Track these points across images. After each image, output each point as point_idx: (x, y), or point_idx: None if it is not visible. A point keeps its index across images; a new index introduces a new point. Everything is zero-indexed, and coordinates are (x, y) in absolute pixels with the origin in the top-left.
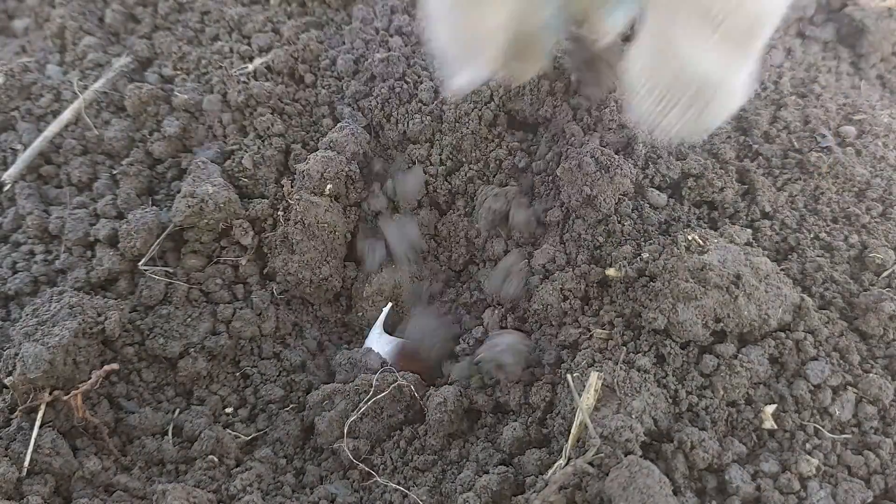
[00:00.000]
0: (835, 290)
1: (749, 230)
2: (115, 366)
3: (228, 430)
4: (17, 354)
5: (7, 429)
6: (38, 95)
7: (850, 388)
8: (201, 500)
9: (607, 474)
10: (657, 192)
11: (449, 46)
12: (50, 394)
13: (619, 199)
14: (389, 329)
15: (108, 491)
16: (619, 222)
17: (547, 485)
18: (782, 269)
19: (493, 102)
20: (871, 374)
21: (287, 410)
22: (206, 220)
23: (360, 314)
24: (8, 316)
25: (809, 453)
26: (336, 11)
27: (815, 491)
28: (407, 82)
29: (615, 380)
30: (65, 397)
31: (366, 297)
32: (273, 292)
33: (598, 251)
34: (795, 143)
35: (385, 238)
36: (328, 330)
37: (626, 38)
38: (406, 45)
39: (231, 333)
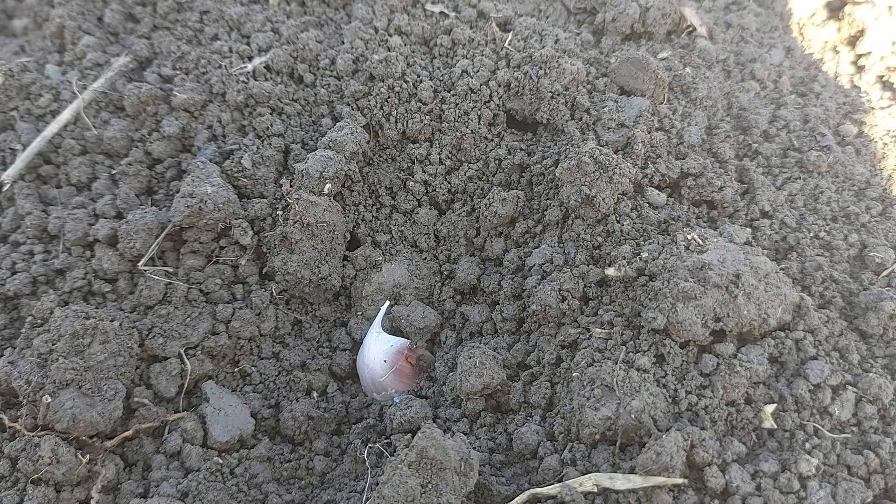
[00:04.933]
0: (834, 289)
1: (748, 229)
2: None
3: None
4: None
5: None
6: (37, 95)
7: (849, 387)
8: None
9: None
10: (656, 191)
11: None
12: None
13: (618, 198)
14: (388, 328)
15: None
16: (619, 222)
17: None
18: (782, 269)
19: (492, 102)
20: (870, 374)
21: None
22: (205, 220)
23: (360, 313)
24: (11, 323)
25: (809, 453)
26: (335, 11)
27: (815, 490)
28: (406, 81)
29: (615, 379)
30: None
31: (365, 295)
32: (272, 292)
33: (598, 251)
34: (795, 142)
35: None
36: (328, 329)
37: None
38: (405, 45)
39: (230, 333)
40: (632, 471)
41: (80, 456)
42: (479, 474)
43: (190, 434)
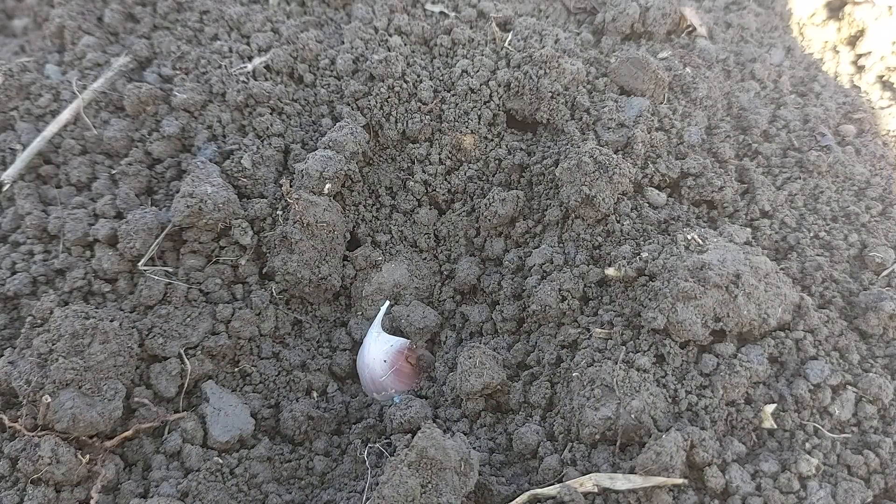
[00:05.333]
0: (834, 289)
1: (748, 229)
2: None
3: None
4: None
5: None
6: (37, 95)
7: (849, 387)
8: None
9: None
10: (656, 191)
11: None
12: None
13: (618, 198)
14: (388, 328)
15: None
16: (619, 222)
17: None
18: (782, 269)
19: (492, 102)
20: (870, 374)
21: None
22: (204, 220)
23: (360, 313)
24: (11, 323)
25: (809, 453)
26: (335, 11)
27: (815, 490)
28: (406, 81)
29: (615, 379)
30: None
31: (365, 295)
32: (272, 292)
33: (598, 251)
34: (795, 142)
35: None
36: (328, 329)
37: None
38: (405, 45)
39: (230, 333)
40: (632, 471)
41: (80, 456)
42: (479, 474)
43: (190, 434)
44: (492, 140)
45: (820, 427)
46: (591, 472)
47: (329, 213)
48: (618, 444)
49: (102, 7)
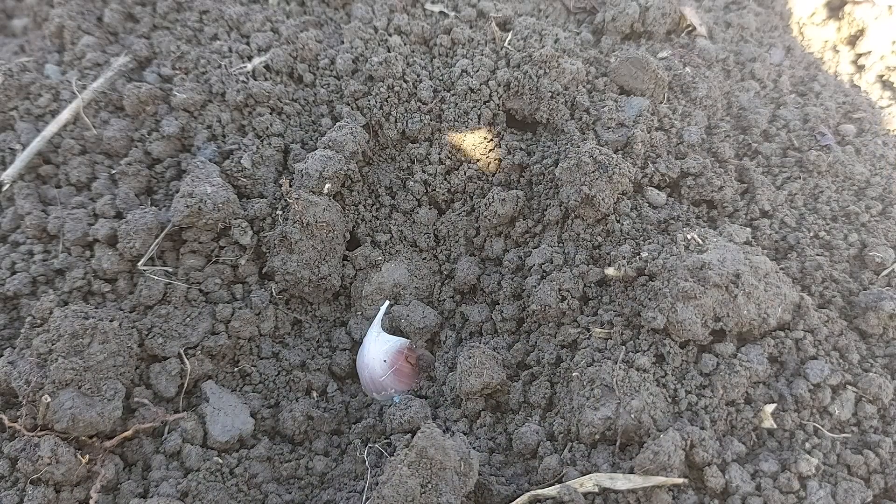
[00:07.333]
0: (834, 288)
1: (748, 229)
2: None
3: None
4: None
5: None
6: (37, 95)
7: (849, 387)
8: None
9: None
10: (656, 190)
11: None
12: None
13: (618, 198)
14: (388, 328)
15: None
16: (618, 221)
17: None
18: (782, 268)
19: (492, 101)
20: (870, 373)
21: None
22: (204, 220)
23: (360, 313)
24: (11, 323)
25: (809, 452)
26: (335, 10)
27: (815, 490)
28: (406, 81)
29: (614, 379)
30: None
31: (365, 295)
32: (272, 292)
33: (597, 251)
34: (795, 142)
35: None
36: (327, 329)
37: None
38: (405, 45)
39: (230, 333)
40: (631, 471)
41: (79, 456)
42: (479, 474)
43: (190, 434)
44: (491, 140)
45: (820, 427)
46: (591, 472)
47: (329, 212)
48: (618, 443)
49: (102, 7)
